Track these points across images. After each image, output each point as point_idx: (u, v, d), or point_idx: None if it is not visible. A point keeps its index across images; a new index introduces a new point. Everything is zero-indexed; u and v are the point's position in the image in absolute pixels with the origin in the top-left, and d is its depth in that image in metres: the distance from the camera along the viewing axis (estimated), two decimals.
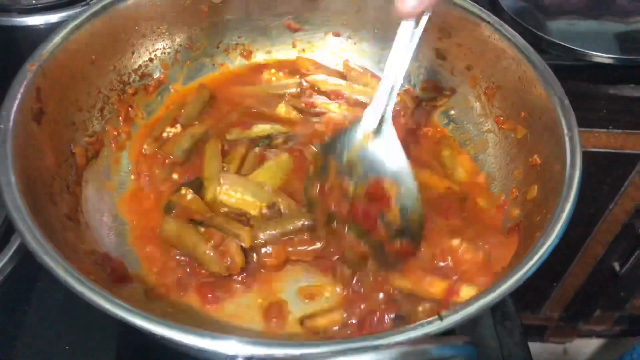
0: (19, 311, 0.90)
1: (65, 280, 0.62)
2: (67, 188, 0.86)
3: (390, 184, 0.80)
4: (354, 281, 0.82)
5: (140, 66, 1.05)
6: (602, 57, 1.34)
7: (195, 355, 0.66)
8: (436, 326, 0.58)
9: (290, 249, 0.84)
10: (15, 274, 0.90)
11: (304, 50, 1.17)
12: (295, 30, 1.16)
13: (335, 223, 0.84)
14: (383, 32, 1.12)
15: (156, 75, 1.07)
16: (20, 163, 0.74)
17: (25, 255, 0.90)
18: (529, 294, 1.96)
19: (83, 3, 1.25)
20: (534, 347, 0.95)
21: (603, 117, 1.41)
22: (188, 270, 0.84)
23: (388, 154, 0.80)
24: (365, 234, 0.82)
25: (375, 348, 0.50)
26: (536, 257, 0.67)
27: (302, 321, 0.80)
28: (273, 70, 1.14)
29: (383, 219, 0.80)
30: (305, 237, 0.85)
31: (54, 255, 0.64)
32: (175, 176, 0.97)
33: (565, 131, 0.82)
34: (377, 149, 0.81)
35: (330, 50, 1.17)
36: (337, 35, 1.16)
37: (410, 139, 1.04)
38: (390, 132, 0.80)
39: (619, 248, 1.77)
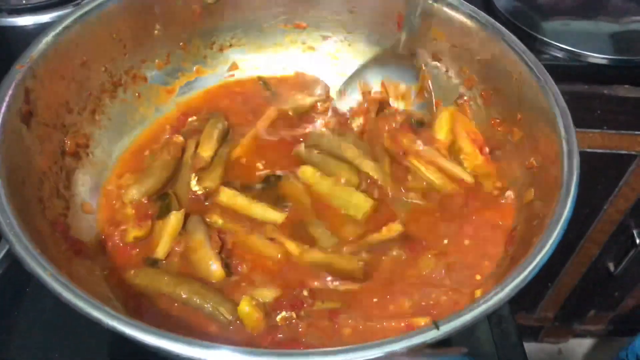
0: (9, 316, 0.89)
1: (54, 288, 0.62)
2: (56, 192, 0.85)
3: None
4: None
5: (132, 67, 1.03)
6: (597, 58, 1.34)
7: None
8: (432, 335, 0.58)
9: None
10: (5, 279, 0.88)
11: (302, 50, 1.16)
12: (303, 28, 1.14)
13: None
14: (377, 33, 1.11)
15: (149, 76, 1.06)
16: (8, 166, 0.73)
17: (14, 260, 0.88)
18: (523, 294, 1.95)
19: (74, 3, 1.24)
20: (529, 347, 0.95)
21: (597, 118, 1.41)
22: None
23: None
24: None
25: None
26: (534, 263, 0.67)
27: None
28: None
29: None
30: None
31: (42, 263, 0.64)
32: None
33: (562, 134, 0.82)
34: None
35: (326, 51, 1.16)
36: (331, 37, 1.15)
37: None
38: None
39: (613, 248, 1.77)
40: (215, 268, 0.82)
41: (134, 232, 0.87)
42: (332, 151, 0.99)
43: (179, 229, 0.87)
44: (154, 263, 0.85)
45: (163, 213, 0.88)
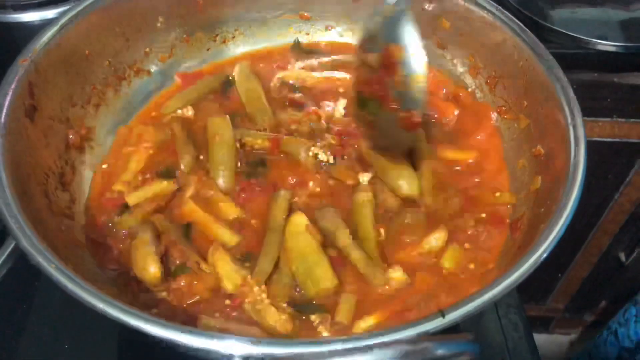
0: (18, 311, 0.90)
1: (60, 281, 0.62)
2: (62, 185, 0.85)
3: (398, 48, 0.82)
4: None
5: (135, 61, 1.03)
6: (606, 45, 1.32)
7: (194, 354, 0.65)
8: (438, 323, 0.57)
9: None
10: (13, 274, 0.89)
11: (306, 41, 1.16)
12: (306, 19, 1.14)
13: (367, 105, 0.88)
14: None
15: (152, 69, 1.06)
16: (13, 161, 0.73)
17: (22, 255, 0.89)
18: (533, 285, 1.95)
19: None
20: (540, 338, 0.94)
21: (607, 106, 1.39)
22: None
23: (402, 23, 0.82)
24: (380, 106, 0.85)
25: (375, 347, 0.48)
26: (540, 250, 0.66)
27: None
28: None
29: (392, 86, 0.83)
30: None
31: (48, 257, 0.64)
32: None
33: (569, 120, 0.81)
34: (394, 18, 0.83)
35: (329, 41, 1.16)
36: (334, 26, 1.15)
37: None
38: (406, 3, 0.83)
39: (624, 238, 1.75)
40: (153, 270, 0.80)
41: (119, 186, 0.90)
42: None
43: (156, 193, 0.89)
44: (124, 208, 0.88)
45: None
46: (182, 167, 0.93)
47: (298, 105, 1.03)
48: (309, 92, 1.06)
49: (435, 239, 0.85)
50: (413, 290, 0.81)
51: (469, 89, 1.05)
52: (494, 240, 0.86)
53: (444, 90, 1.05)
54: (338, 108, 1.03)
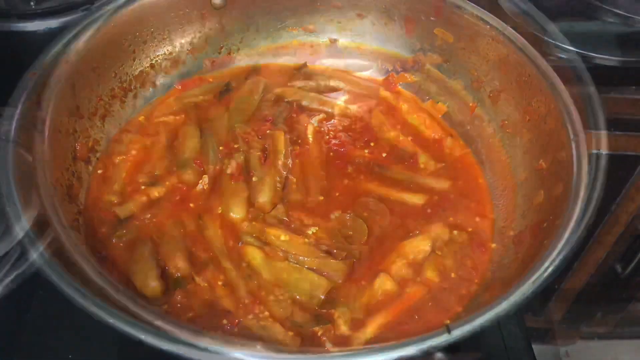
0: (20, 320, 0.89)
1: (72, 297, 0.63)
2: (69, 197, 0.86)
3: None
4: None
5: (141, 73, 1.04)
6: (604, 59, 1.33)
7: None
8: (444, 339, 0.58)
9: None
10: (15, 283, 0.89)
11: (310, 54, 1.17)
12: (310, 31, 1.15)
13: None
14: (384, 33, 1.12)
15: (158, 81, 1.07)
16: (23, 174, 0.74)
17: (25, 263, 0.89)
18: None
19: (83, 8, 1.24)
20: (536, 349, 0.94)
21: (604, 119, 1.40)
22: None
23: None
24: None
25: None
26: (546, 265, 0.67)
27: None
28: None
29: None
30: None
31: (59, 272, 0.65)
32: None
33: (572, 135, 0.82)
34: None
35: (333, 53, 1.17)
36: (338, 39, 1.16)
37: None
38: None
39: (621, 250, 1.76)
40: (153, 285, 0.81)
41: (111, 196, 0.91)
42: None
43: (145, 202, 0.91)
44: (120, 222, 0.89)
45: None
46: (157, 171, 0.95)
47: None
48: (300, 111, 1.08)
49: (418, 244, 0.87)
50: (402, 301, 0.82)
51: (458, 139, 1.05)
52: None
53: (433, 136, 1.05)
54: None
